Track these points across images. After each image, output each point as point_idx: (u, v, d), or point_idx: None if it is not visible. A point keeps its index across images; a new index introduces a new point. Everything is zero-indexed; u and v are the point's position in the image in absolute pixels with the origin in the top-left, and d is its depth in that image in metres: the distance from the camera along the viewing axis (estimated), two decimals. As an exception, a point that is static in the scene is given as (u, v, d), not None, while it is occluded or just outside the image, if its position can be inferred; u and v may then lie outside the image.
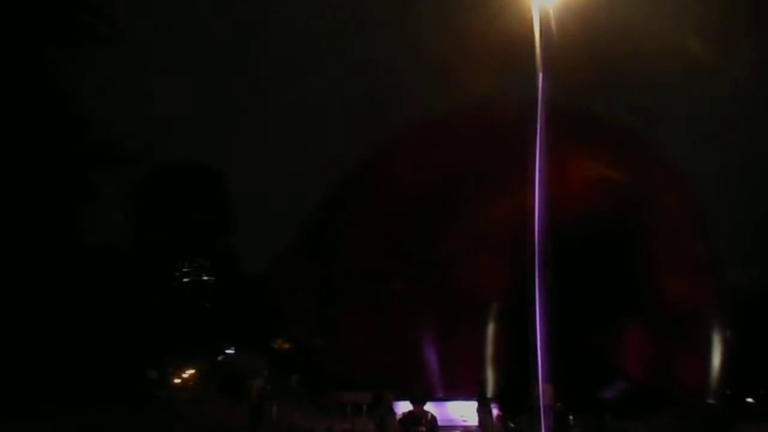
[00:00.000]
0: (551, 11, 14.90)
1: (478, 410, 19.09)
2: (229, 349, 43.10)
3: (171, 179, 35.06)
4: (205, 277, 41.69)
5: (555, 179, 26.26)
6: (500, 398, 19.25)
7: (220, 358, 42.12)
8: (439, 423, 18.12)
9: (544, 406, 16.69)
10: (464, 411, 20.56)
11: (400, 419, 8.06)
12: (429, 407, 19.42)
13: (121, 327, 30.41)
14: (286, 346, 32.51)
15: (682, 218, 26.27)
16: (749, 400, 32.98)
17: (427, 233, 25.63)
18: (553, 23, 14.84)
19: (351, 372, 24.95)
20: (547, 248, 25.62)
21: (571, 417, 18.76)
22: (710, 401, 25.19)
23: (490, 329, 24.37)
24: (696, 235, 26.29)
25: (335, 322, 26.77)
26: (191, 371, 38.70)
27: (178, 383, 35.33)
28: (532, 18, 14.58)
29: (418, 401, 8.40)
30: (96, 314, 29.43)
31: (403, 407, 21.04)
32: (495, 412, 19.85)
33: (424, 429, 8.04)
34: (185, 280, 41.39)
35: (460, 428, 20.20)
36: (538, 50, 14.57)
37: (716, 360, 25.52)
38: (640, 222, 26.06)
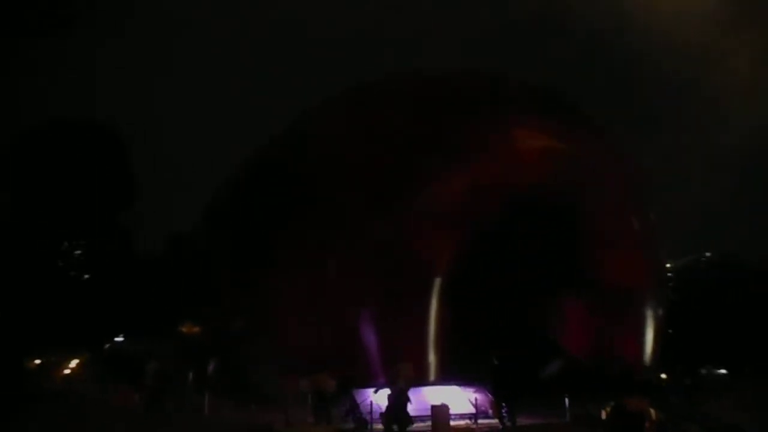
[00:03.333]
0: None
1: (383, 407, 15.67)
2: (119, 336, 39.15)
3: (59, 139, 30.26)
4: (95, 257, 37.13)
5: (501, 149, 25.26)
6: (494, 381, 17.19)
7: (107, 345, 38.20)
8: (418, 410, 16.24)
9: (400, 388, 14.85)
10: (446, 397, 18.50)
11: (605, 421, 4.86)
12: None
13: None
14: (196, 329, 29.16)
15: (621, 193, 25.85)
16: (662, 375, 33.82)
17: (367, 203, 23.43)
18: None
19: (280, 356, 22.35)
20: (494, 221, 24.59)
21: None
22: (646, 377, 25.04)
23: (435, 307, 22.58)
24: (635, 210, 25.97)
25: (260, 301, 23.95)
26: (78, 360, 34.29)
27: (65, 374, 30.97)
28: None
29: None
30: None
31: (376, 396, 19.04)
32: (480, 397, 18.04)
33: None
34: (70, 260, 36.66)
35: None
36: None
37: (651, 337, 25.40)
38: (581, 195, 25.37)
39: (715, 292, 41.63)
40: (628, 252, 25.14)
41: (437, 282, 22.80)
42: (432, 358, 21.85)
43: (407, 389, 15.29)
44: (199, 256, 29.86)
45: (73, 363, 33.79)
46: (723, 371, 37.33)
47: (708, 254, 48.64)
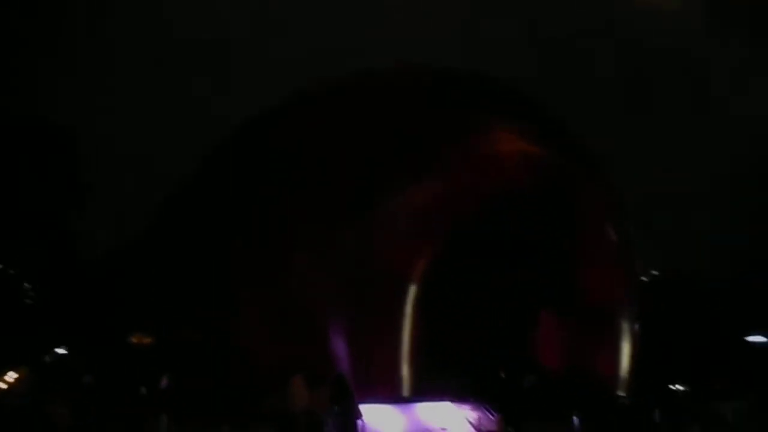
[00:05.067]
0: None
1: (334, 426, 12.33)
2: (60, 347, 36.74)
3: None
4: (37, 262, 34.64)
5: (476, 154, 24.33)
6: (501, 396, 15.14)
7: (46, 358, 35.78)
8: (409, 431, 14.66)
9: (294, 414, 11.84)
10: (443, 416, 16.98)
11: None
12: (389, 410, 15.82)
13: None
14: (148, 340, 27.10)
15: (599, 204, 25.21)
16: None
17: (336, 208, 22.09)
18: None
19: (242, 370, 20.67)
20: (470, 229, 23.62)
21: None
22: (621, 393, 24.33)
23: (409, 316, 21.31)
24: (612, 224, 25.33)
25: (219, 311, 22.25)
26: (15, 374, 31.70)
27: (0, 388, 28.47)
28: None
29: None
30: None
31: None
32: (481, 416, 16.37)
33: None
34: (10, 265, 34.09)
35: None
36: None
37: (627, 352, 24.70)
38: (559, 206, 24.68)
39: (669, 310, 41.48)
40: (606, 265, 24.48)
41: (411, 290, 21.56)
42: (406, 371, 20.53)
43: (303, 413, 12.12)
44: (152, 262, 27.93)
45: (10, 376, 31.30)
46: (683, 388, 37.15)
47: (655, 272, 48.56)
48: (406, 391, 20.52)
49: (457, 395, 18.11)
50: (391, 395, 19.33)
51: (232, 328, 21.73)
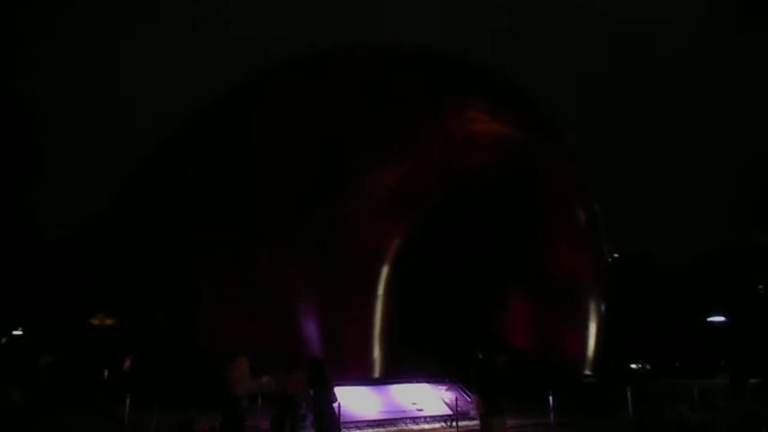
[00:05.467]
0: None
1: (309, 409, 11.15)
2: (16, 329, 35.71)
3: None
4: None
5: (449, 134, 24.02)
6: (478, 376, 14.71)
7: (3, 339, 34.81)
8: (385, 413, 14.40)
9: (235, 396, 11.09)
10: (416, 396, 16.75)
11: None
12: (365, 392, 15.47)
13: None
14: (109, 321, 26.30)
15: (569, 185, 25.31)
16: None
17: (306, 187, 21.56)
18: None
19: (210, 351, 20.11)
20: (442, 210, 23.43)
21: None
22: (587, 372, 24.68)
23: (381, 298, 21.04)
24: (582, 204, 25.47)
25: (187, 291, 21.59)
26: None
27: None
28: None
29: None
30: None
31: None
32: (458, 396, 16.10)
33: None
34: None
35: (412, 421, 16.04)
36: None
37: (594, 332, 25.01)
38: (530, 186, 24.69)
39: (631, 292, 42.31)
40: (575, 246, 24.68)
41: (383, 270, 21.26)
42: (379, 352, 20.32)
43: (243, 397, 11.13)
44: (114, 239, 26.96)
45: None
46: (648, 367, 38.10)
47: (616, 255, 49.42)
48: (380, 372, 20.35)
49: (432, 376, 17.97)
50: (366, 377, 19.10)
51: (200, 310, 21.10)
